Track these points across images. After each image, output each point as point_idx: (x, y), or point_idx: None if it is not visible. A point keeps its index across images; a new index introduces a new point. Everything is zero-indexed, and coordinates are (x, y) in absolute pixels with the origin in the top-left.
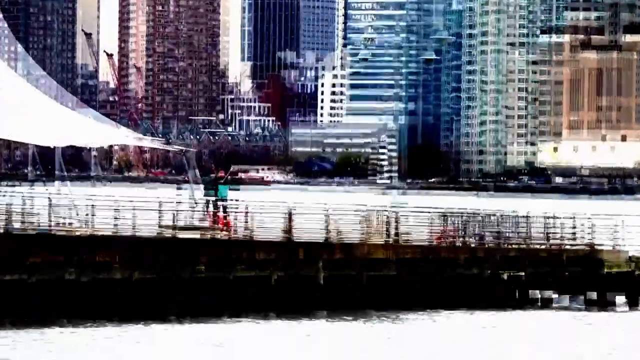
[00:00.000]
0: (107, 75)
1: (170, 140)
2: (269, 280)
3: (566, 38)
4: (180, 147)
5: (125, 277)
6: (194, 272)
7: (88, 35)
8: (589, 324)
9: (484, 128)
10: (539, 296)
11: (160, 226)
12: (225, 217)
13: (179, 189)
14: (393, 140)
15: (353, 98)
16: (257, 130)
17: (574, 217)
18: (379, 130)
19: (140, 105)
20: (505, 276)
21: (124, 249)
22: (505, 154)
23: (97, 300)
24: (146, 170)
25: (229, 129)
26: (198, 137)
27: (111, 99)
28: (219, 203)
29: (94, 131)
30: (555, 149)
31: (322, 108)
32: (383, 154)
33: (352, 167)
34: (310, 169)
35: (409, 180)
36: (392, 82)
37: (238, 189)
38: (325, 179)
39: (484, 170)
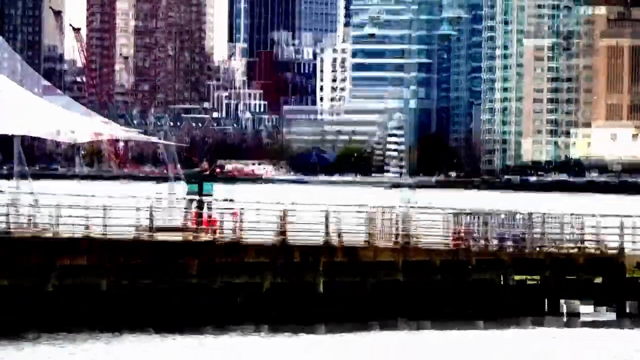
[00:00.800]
0: (73, 53)
1: (149, 132)
2: (260, 287)
3: (602, 10)
4: (161, 141)
5: (95, 284)
6: (174, 279)
7: (57, 14)
8: (625, 339)
9: (507, 117)
10: (568, 306)
11: (136, 227)
12: (209, 216)
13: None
14: (402, 129)
15: (356, 81)
16: (247, 117)
17: (594, 216)
18: (386, 118)
19: (110, 88)
20: (530, 283)
21: (93, 252)
22: (522, 145)
23: (62, 310)
24: (119, 164)
25: (214, 114)
26: (179, 125)
27: (78, 79)
28: (203, 200)
29: (63, 121)
30: (589, 144)
31: (321, 89)
32: (390, 144)
33: (355, 161)
34: (308, 163)
35: (421, 176)
36: (402, 62)
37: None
38: (324, 174)
39: (507, 164)
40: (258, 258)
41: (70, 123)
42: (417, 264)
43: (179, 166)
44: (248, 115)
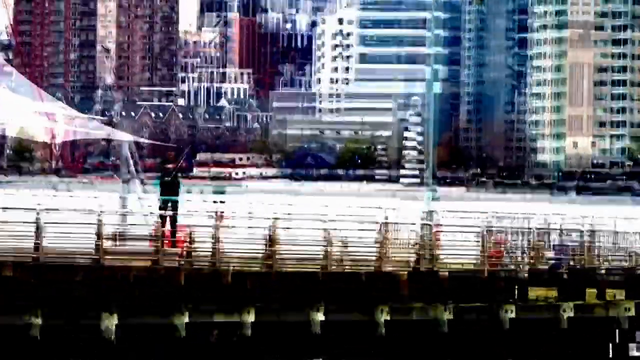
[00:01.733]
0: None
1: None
2: (239, 328)
3: None
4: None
5: (19, 324)
6: (124, 316)
7: None
8: None
9: (560, 102)
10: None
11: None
12: (173, 232)
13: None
14: (421, 120)
15: (364, 58)
16: (223, 103)
17: None
18: (402, 104)
19: (45, 63)
20: (594, 321)
21: (18, 280)
22: (579, 142)
23: None
24: (55, 162)
25: (180, 101)
26: (134, 113)
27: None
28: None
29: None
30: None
31: (319, 69)
32: (407, 139)
33: (362, 159)
34: (302, 162)
35: (446, 178)
36: (423, 35)
37: (223, 192)
38: (322, 177)
39: (560, 165)
40: (236, 289)
41: (18, 111)
42: (444, 294)
43: (137, 163)
44: (224, 102)
